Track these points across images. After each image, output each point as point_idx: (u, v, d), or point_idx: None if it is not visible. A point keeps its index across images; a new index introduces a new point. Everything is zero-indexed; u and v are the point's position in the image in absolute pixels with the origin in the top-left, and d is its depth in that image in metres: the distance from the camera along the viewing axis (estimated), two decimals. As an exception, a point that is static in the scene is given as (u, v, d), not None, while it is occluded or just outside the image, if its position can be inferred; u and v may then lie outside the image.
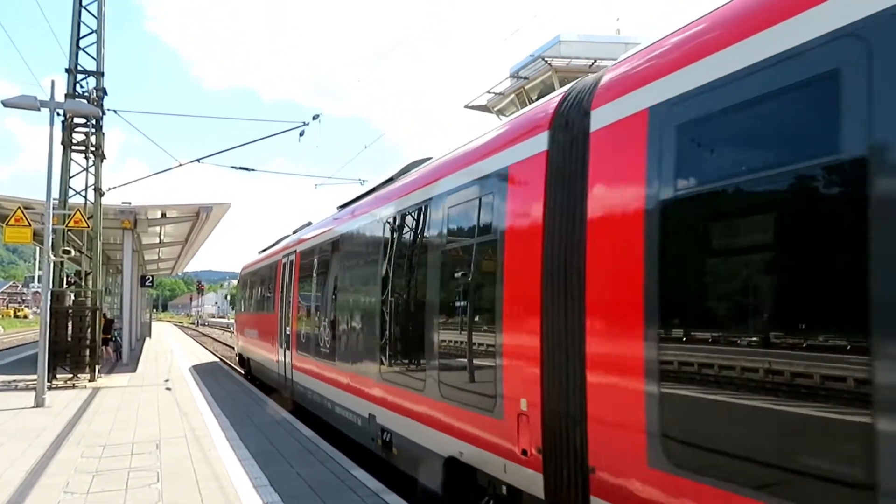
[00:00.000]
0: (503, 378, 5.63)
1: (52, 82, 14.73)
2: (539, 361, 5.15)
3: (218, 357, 30.47)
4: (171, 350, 31.59)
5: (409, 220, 8.35)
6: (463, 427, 6.34)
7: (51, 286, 15.20)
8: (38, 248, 53.08)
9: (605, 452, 4.43)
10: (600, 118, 4.77)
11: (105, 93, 18.41)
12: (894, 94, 2.89)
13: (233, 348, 30.47)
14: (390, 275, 8.65)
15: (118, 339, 25.08)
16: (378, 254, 9.24)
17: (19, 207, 15.26)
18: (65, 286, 18.30)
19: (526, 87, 40.45)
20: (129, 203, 22.31)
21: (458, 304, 6.63)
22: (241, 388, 17.20)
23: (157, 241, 32.19)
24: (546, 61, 38.41)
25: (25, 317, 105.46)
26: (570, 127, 5.20)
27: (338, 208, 13.28)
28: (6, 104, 14.04)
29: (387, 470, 8.59)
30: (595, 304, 4.55)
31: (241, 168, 22.90)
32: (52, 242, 15.24)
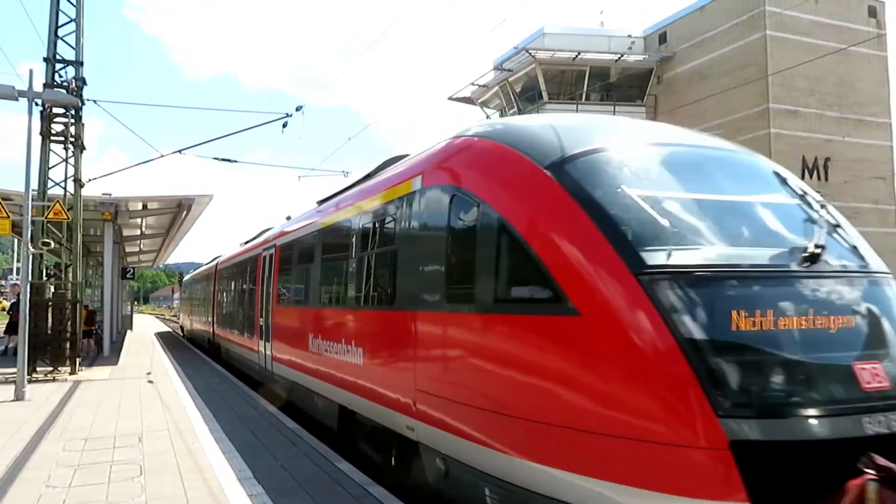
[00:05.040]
0: (211, 320, 25.49)
1: (31, 71, 14.44)
2: (217, 314, 24.10)
3: (195, 346, 30.32)
4: (153, 343, 31.37)
5: (206, 279, 28.62)
6: (210, 329, 25.47)
7: (30, 278, 15.02)
8: (16, 240, 52.24)
9: (219, 330, 23.37)
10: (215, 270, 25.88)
11: (84, 82, 18.11)
12: None
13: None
14: (199, 293, 31.41)
15: (99, 331, 24.84)
16: (201, 284, 30.21)
17: (-3, 199, 15.04)
18: (44, 278, 18.09)
19: (510, 80, 40.48)
20: (110, 194, 21.99)
21: (201, 300, 30.02)
22: (223, 381, 17.14)
23: (139, 232, 31.87)
24: (530, 53, 38.42)
25: (4, 309, 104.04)
26: (216, 266, 25.39)
27: (210, 260, 30.10)
28: (-18, 94, 13.78)
29: (375, 463, 8.62)
30: (218, 304, 24.72)
31: (223, 159, 22.59)
32: (31, 234, 15.04)
